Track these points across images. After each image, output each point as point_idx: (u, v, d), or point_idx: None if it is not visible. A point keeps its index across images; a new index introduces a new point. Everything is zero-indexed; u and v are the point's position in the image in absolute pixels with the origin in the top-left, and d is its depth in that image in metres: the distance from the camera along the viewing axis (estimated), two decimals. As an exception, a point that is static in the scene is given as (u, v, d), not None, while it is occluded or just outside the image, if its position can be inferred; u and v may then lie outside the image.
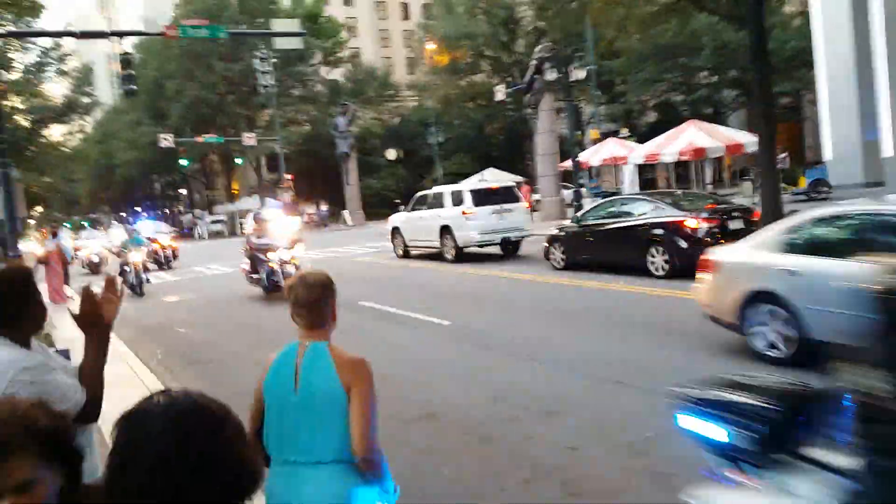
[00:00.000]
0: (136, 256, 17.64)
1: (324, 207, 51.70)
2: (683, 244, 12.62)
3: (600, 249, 14.37)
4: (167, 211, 70.84)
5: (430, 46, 49.44)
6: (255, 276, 14.79)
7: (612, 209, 14.88)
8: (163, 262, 24.69)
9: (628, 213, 14.17)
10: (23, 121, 47.25)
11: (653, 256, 13.02)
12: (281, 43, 22.00)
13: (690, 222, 12.62)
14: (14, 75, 45.11)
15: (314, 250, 27.07)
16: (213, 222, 52.24)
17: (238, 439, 1.29)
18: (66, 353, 10.79)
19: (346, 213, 47.73)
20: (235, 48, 51.14)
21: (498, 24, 49.11)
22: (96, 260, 25.87)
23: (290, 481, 2.58)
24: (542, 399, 6.65)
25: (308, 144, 57.07)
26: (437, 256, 19.46)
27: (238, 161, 58.14)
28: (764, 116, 18.91)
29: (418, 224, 20.08)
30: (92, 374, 2.50)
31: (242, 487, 1.27)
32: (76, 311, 2.52)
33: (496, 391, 7.01)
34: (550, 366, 7.83)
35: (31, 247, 28.59)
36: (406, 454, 5.64)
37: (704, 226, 12.56)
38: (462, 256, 18.52)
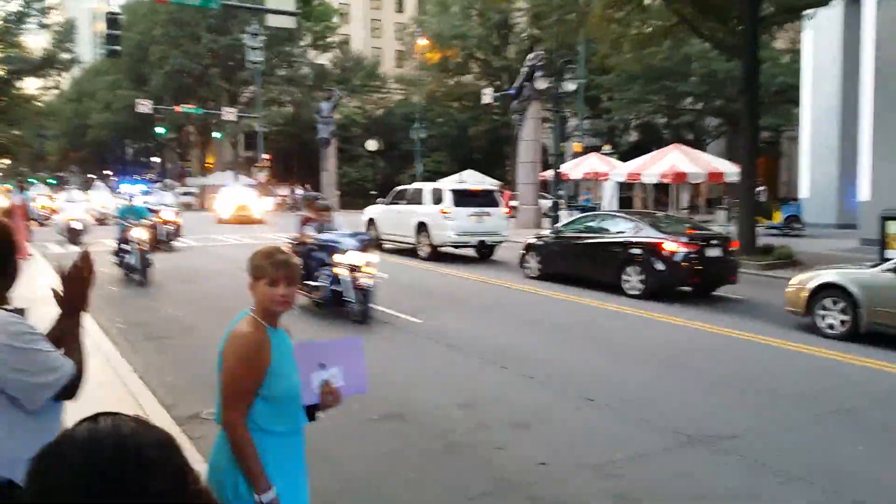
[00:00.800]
0: (141, 233, 13.67)
1: (299, 191, 51.10)
2: (660, 266, 12.59)
3: (576, 263, 14.29)
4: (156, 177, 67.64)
5: (422, 42, 49.13)
6: (310, 283, 10.59)
7: (591, 224, 14.81)
8: (164, 239, 19.51)
9: (607, 230, 14.11)
10: (-2, 70, 46.09)
11: (628, 275, 12.97)
12: (273, 20, 21.60)
13: (669, 245, 12.57)
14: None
15: (285, 233, 26.69)
16: (184, 194, 51.14)
17: (181, 485, 1.02)
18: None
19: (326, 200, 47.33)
20: (225, 20, 50.35)
21: (491, 28, 49.00)
22: (79, 227, 20.94)
23: None
24: (513, 409, 6.50)
25: (288, 126, 56.42)
26: (410, 252, 19.25)
27: (216, 135, 57.26)
28: (747, 148, 19.09)
29: (395, 218, 19.86)
30: (73, 350, 2.32)
31: None
32: (59, 289, 2.37)
33: (466, 397, 6.84)
34: (522, 375, 7.69)
35: (-6, 199, 27.91)
36: (368, 453, 5.47)
37: (683, 250, 12.53)
38: (436, 255, 18.35)
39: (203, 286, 13.79)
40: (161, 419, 5.76)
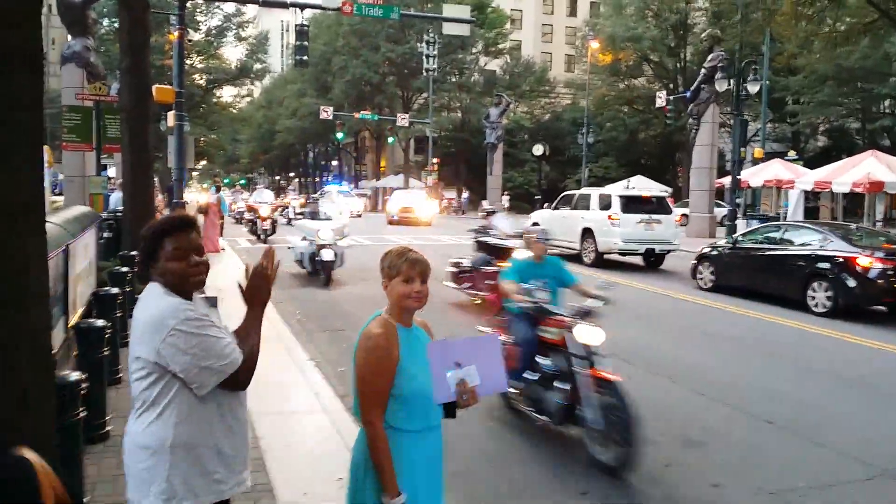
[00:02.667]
0: (589, 334, 5.66)
1: (465, 195, 52.06)
2: (852, 283, 11.56)
3: (754, 276, 13.46)
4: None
5: (594, 45, 48.40)
6: None
7: (773, 234, 13.89)
8: None
9: (791, 242, 13.19)
10: (199, 80, 50.68)
11: (814, 291, 12.02)
12: (449, 28, 22.15)
13: (863, 260, 11.52)
14: (197, 36, 48.39)
15: (450, 236, 27.28)
16: (359, 196, 53.66)
17: None
18: (213, 301, 11.35)
19: (485, 203, 47.86)
20: (402, 30, 52.37)
21: (667, 29, 47.34)
22: (330, 257, 13.56)
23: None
24: (683, 426, 6.22)
25: (457, 131, 57.67)
26: (574, 258, 18.98)
27: (389, 140, 59.67)
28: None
29: (560, 223, 19.65)
30: (250, 340, 2.43)
31: None
32: (244, 283, 2.52)
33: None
34: (693, 391, 7.34)
35: (194, 197, 30.58)
36: (534, 459, 5.42)
37: (879, 266, 11.42)
38: (601, 262, 17.99)
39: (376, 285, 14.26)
40: (336, 407, 6.06)
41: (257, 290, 2.49)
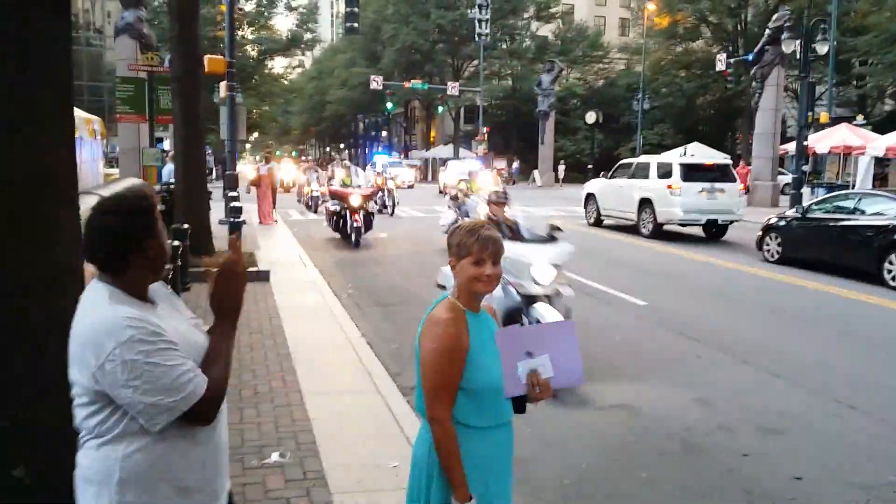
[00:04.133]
0: None
1: (515, 164, 51.31)
2: (933, 255, 10.85)
3: (825, 247, 12.77)
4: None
5: (650, 7, 46.76)
6: None
7: (844, 203, 13.16)
8: None
9: (864, 211, 12.47)
10: (251, 51, 50.84)
11: (891, 264, 11.33)
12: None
13: (948, 231, 10.79)
14: (248, 6, 48.43)
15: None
16: (409, 166, 53.22)
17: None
18: (266, 274, 11.05)
19: (536, 173, 47.10)
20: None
21: (728, -12, 45.38)
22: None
23: None
24: (759, 411, 5.82)
25: (507, 99, 56.75)
26: (630, 229, 18.47)
27: (439, 109, 59.12)
28: None
29: (616, 192, 19.13)
30: (215, 363, 1.95)
31: None
32: (210, 290, 2.04)
33: (703, 392, 6.25)
34: (768, 373, 6.90)
35: (246, 169, 30.70)
36: (600, 446, 5.13)
37: (965, 237, 10.69)
38: (659, 233, 17.41)
39: (428, 258, 14.04)
40: (389, 388, 5.84)
41: (225, 294, 2.02)
